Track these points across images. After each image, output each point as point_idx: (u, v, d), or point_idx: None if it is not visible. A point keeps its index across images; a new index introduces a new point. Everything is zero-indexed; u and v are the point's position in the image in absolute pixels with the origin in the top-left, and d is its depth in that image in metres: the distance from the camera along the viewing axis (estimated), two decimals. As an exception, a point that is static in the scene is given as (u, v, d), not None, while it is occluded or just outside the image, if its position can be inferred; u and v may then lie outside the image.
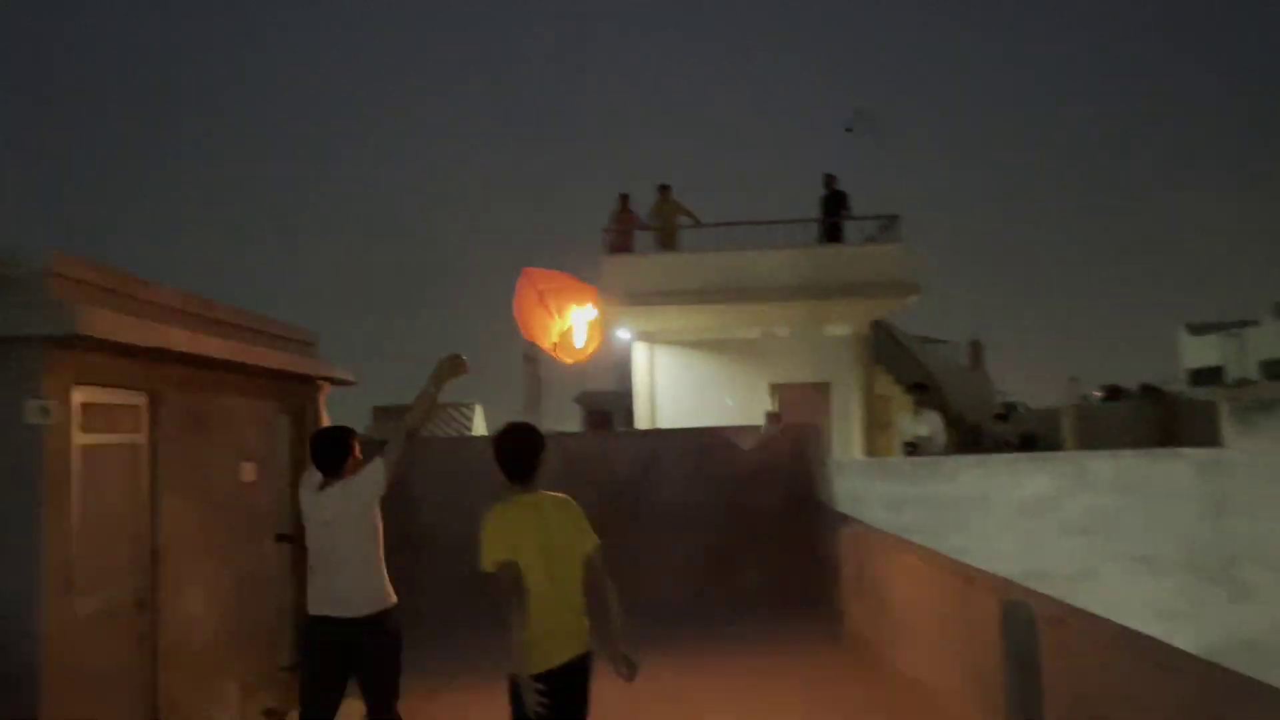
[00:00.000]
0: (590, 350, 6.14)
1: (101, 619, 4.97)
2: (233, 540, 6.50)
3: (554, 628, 3.79)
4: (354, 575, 4.74)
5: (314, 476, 4.95)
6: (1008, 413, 17.35)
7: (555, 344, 6.26)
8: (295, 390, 7.71)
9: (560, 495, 4.14)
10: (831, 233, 15.28)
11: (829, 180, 15.39)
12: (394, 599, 4.88)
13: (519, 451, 4.08)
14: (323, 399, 8.30)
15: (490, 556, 3.80)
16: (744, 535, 10.63)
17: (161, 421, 5.56)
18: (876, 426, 16.24)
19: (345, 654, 4.68)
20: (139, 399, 5.38)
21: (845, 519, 8.54)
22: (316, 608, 4.78)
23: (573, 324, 6.41)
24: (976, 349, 21.07)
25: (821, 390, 16.41)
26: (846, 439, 15.87)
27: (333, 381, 8.25)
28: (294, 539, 7.86)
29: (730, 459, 10.81)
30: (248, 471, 6.70)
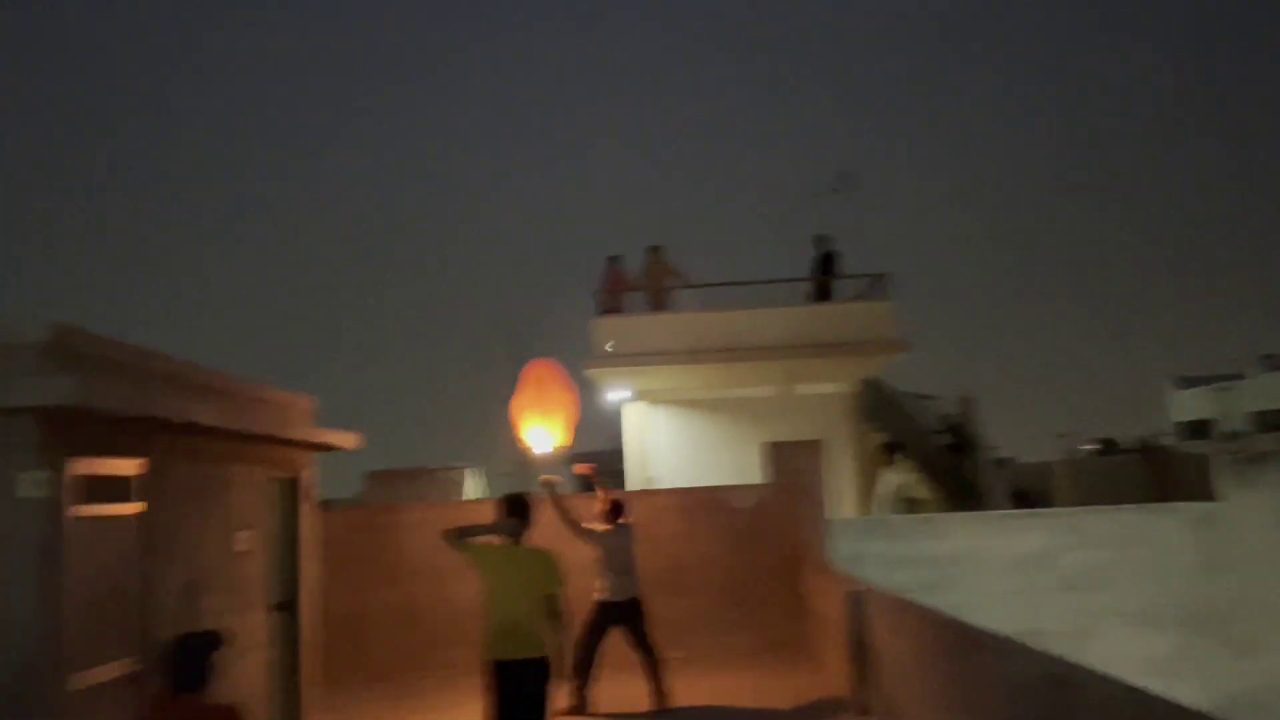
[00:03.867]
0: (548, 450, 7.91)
1: (97, 692, 4.89)
2: (227, 610, 6.42)
3: (509, 633, 5.35)
4: None
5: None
6: (949, 427, 17.13)
7: (532, 430, 7.75)
8: (290, 457, 7.68)
9: (542, 548, 5.72)
10: (822, 292, 15.42)
11: (820, 240, 15.57)
12: None
13: (518, 508, 5.76)
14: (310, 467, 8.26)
15: (468, 555, 5.60)
16: (738, 597, 10.56)
17: (156, 491, 5.53)
18: (869, 484, 16.22)
19: None
20: (134, 468, 5.35)
21: (843, 579, 8.48)
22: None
23: (546, 428, 7.83)
24: (967, 404, 21.08)
25: (814, 448, 16.40)
26: (839, 497, 15.83)
27: (331, 448, 8.22)
28: (288, 608, 7.78)
29: (724, 519, 10.78)
30: (242, 541, 6.65)
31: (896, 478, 11.67)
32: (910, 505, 14.27)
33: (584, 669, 8.09)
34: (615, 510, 8.27)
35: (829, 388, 16.23)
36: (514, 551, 5.60)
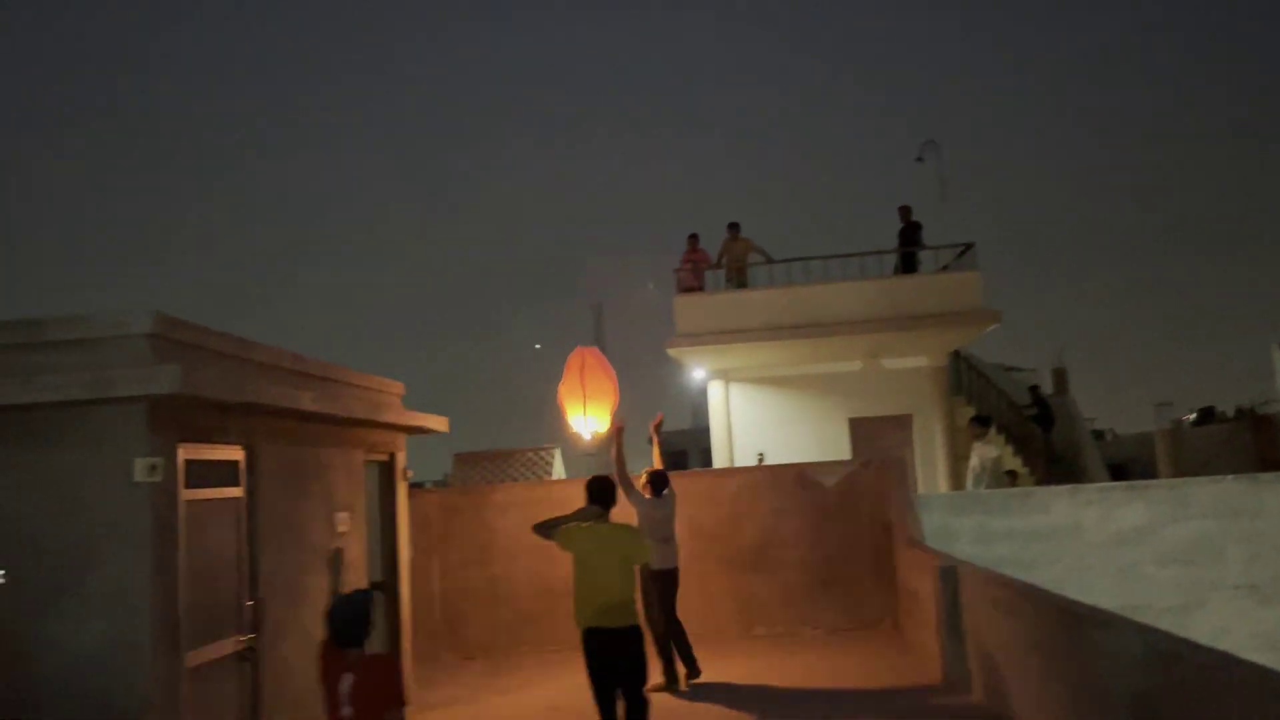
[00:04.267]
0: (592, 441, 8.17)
1: (206, 670, 5.10)
2: (330, 589, 6.61)
3: (598, 603, 5.61)
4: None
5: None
6: (1035, 400, 16.59)
7: (575, 417, 8.02)
8: (384, 440, 7.86)
9: (623, 524, 6.17)
10: (907, 264, 15.13)
11: (904, 212, 15.27)
12: None
13: (601, 492, 6.08)
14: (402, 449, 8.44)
15: (557, 540, 5.90)
16: (826, 575, 10.49)
17: (259, 475, 5.72)
18: (961, 458, 15.92)
19: None
20: (237, 453, 5.54)
21: (935, 554, 8.35)
22: None
23: (591, 415, 8.10)
24: (1060, 376, 20.56)
25: (903, 423, 16.17)
26: (931, 472, 15.59)
27: (423, 431, 8.39)
28: (386, 587, 8.00)
29: (811, 496, 10.70)
30: (341, 521, 6.84)
31: (987, 451, 11.42)
32: (1004, 479, 13.99)
33: (673, 644, 8.14)
34: (658, 480, 8.21)
35: (917, 361, 15.96)
36: (600, 529, 5.89)
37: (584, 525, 5.90)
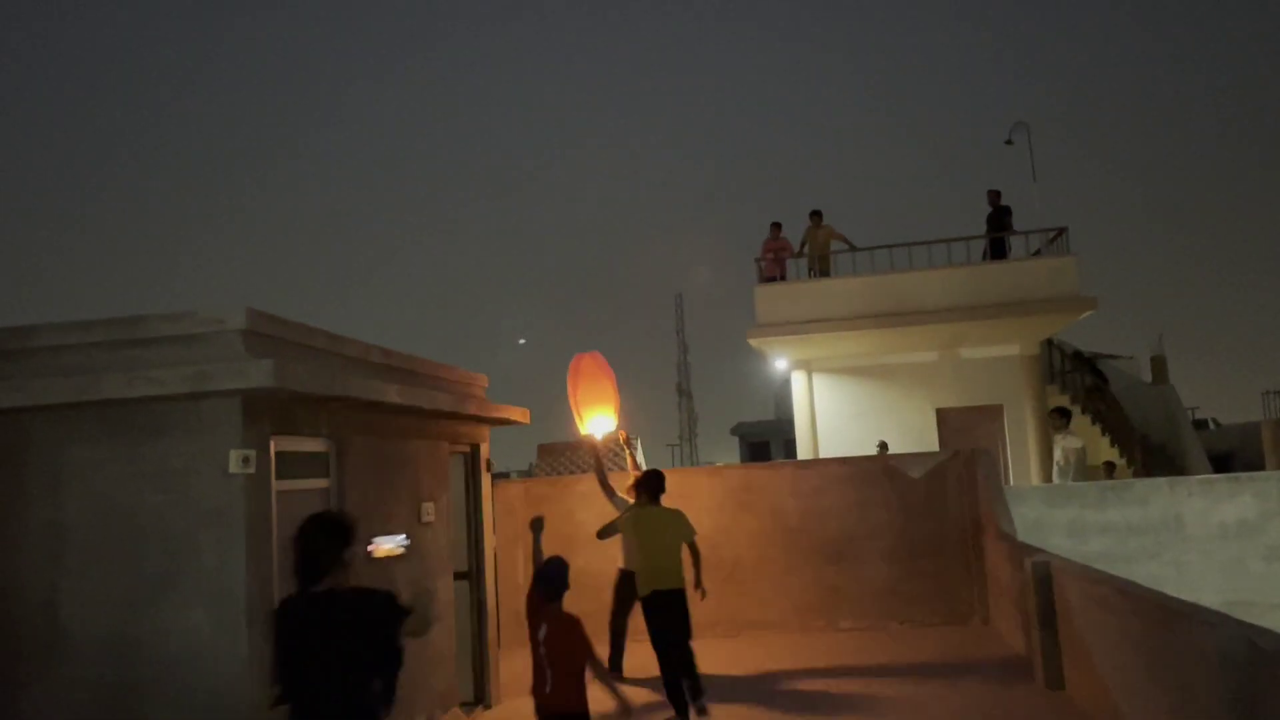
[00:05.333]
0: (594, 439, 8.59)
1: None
2: (414, 580, 6.74)
3: (656, 570, 6.84)
4: None
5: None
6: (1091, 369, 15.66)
7: (580, 416, 8.44)
8: (467, 432, 7.98)
9: (673, 508, 7.22)
10: (997, 249, 14.75)
11: (993, 196, 14.89)
12: None
13: (651, 485, 7.25)
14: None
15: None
16: (913, 568, 10.31)
17: (347, 466, 5.85)
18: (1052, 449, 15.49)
19: None
20: (326, 445, 5.67)
21: (1027, 549, 8.13)
22: None
23: (595, 419, 8.45)
24: (1159, 364, 19.81)
25: (993, 414, 15.79)
26: (1023, 464, 15.20)
27: (506, 422, 8.49)
28: (471, 577, 8.12)
29: (899, 489, 10.52)
30: (428, 512, 6.96)
31: (1070, 443, 11.02)
32: (1094, 471, 13.58)
33: (618, 639, 8.57)
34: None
35: (1007, 350, 15.56)
36: (653, 511, 7.14)
37: (639, 510, 7.25)
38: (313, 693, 3.21)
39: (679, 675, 6.79)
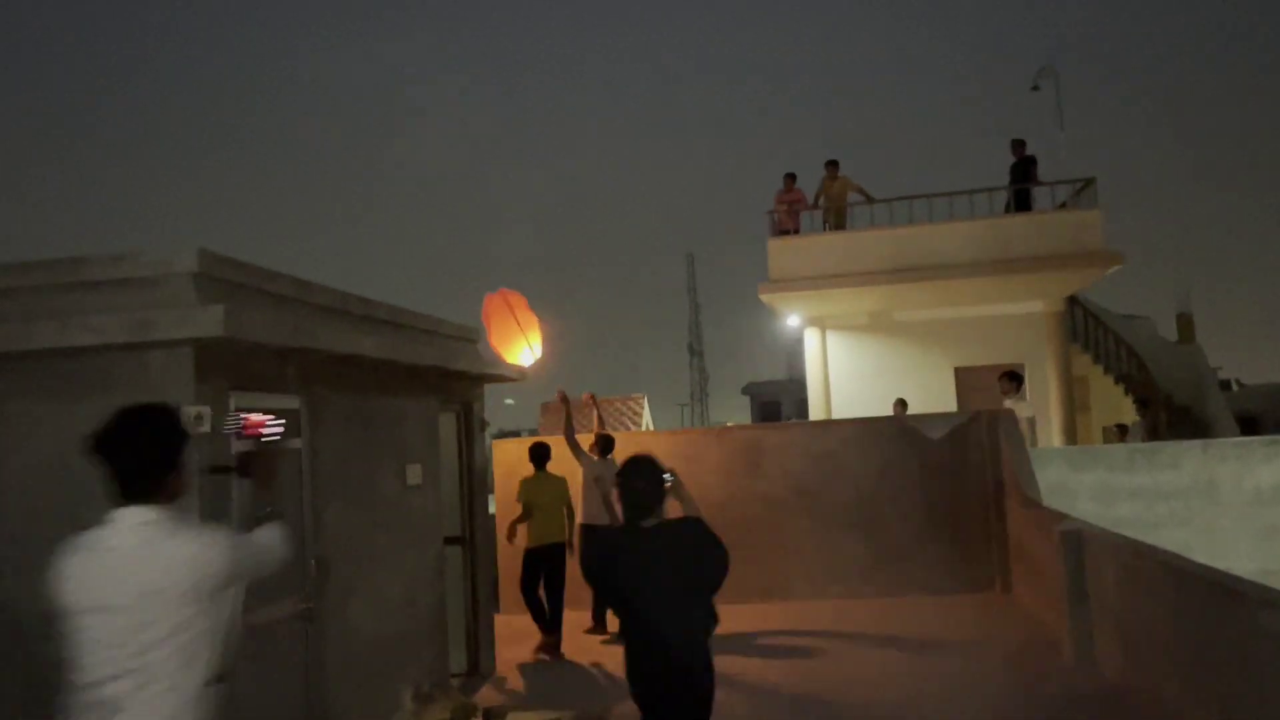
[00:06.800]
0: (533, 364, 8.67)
1: (269, 630, 4.79)
2: (399, 546, 6.29)
3: (548, 528, 8.37)
4: None
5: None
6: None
7: (521, 352, 8.51)
8: (459, 388, 7.49)
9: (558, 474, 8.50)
10: (1020, 201, 14.09)
11: (1017, 146, 14.20)
12: None
13: (537, 454, 8.65)
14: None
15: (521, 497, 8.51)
16: (933, 533, 9.83)
17: (320, 425, 5.36)
18: (1081, 410, 14.93)
19: None
20: (296, 403, 5.18)
21: (1054, 515, 7.63)
22: None
23: (527, 344, 8.58)
24: (1185, 323, 19.15)
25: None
26: (1045, 426, 14.66)
27: (497, 379, 8.00)
28: (464, 542, 7.67)
29: (916, 451, 10.01)
30: (413, 474, 6.49)
31: (1021, 410, 10.37)
32: (1121, 433, 13.03)
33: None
34: (604, 444, 8.79)
35: (1030, 307, 14.97)
36: (547, 478, 8.48)
37: (535, 478, 8.42)
38: (657, 617, 3.57)
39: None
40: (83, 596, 2.43)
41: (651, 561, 3.60)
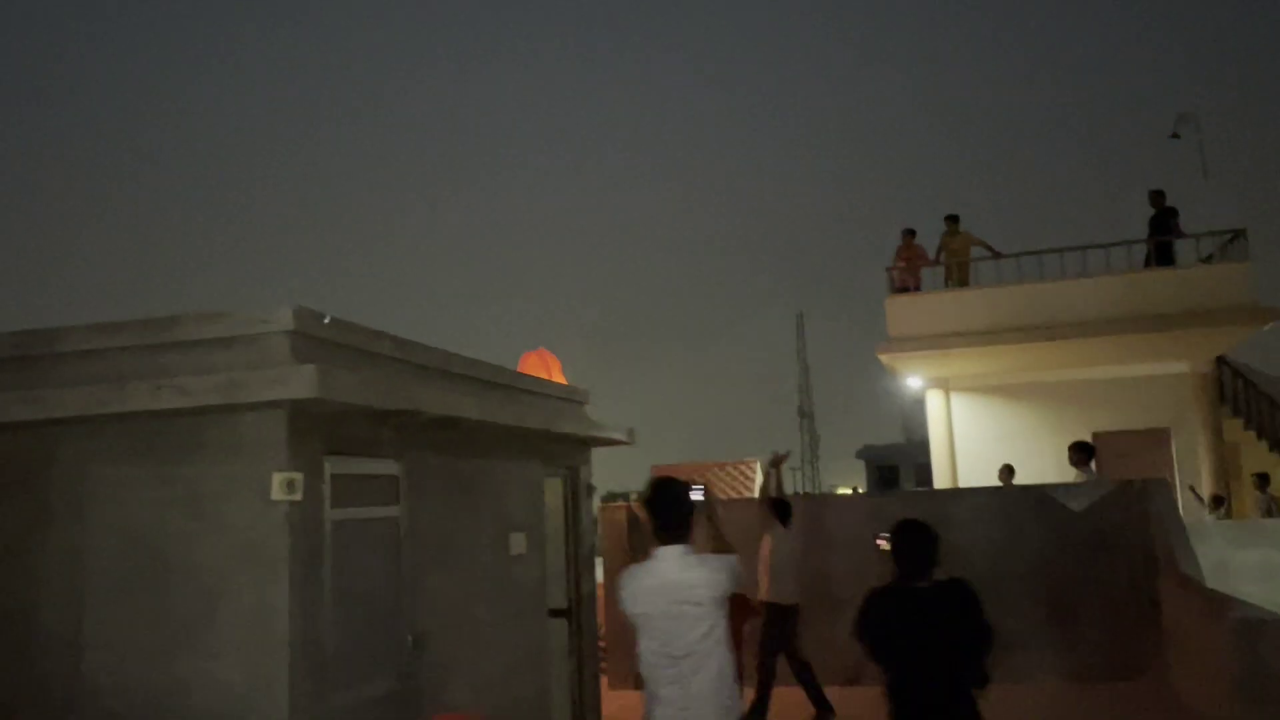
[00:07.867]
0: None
1: (358, 711, 4.49)
2: (501, 620, 5.95)
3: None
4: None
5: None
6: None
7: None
8: (564, 452, 7.18)
9: None
10: (1162, 255, 13.20)
11: (1156, 197, 13.36)
12: None
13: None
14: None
15: None
16: (1072, 613, 8.99)
17: (419, 492, 5.10)
18: (1233, 479, 13.75)
19: None
20: (393, 468, 4.93)
21: (1225, 600, 6.82)
22: None
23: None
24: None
25: (1159, 438, 14.17)
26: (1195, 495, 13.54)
27: (606, 442, 7.67)
28: (570, 615, 7.30)
29: (1053, 522, 9.22)
30: (516, 543, 6.17)
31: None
32: (1262, 483, 11.95)
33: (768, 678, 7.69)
34: (782, 510, 7.87)
35: (1174, 367, 13.93)
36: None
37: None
38: (925, 677, 3.74)
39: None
40: (647, 605, 3.53)
41: (921, 622, 3.77)
